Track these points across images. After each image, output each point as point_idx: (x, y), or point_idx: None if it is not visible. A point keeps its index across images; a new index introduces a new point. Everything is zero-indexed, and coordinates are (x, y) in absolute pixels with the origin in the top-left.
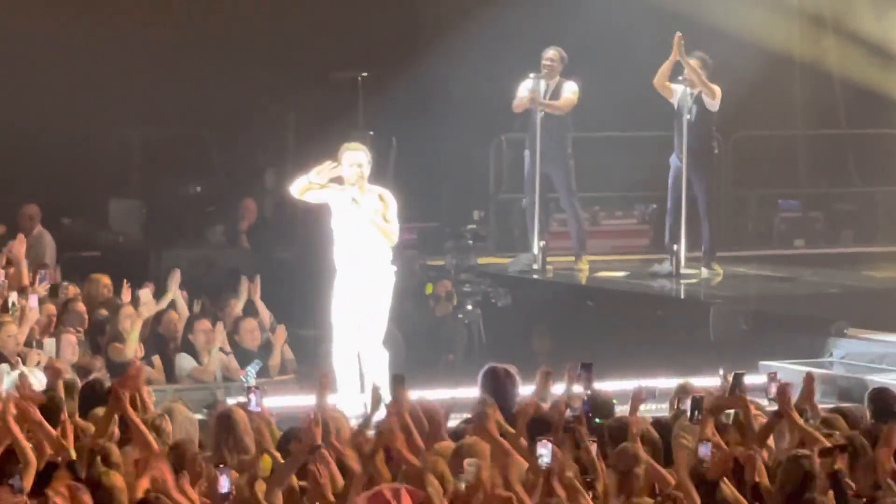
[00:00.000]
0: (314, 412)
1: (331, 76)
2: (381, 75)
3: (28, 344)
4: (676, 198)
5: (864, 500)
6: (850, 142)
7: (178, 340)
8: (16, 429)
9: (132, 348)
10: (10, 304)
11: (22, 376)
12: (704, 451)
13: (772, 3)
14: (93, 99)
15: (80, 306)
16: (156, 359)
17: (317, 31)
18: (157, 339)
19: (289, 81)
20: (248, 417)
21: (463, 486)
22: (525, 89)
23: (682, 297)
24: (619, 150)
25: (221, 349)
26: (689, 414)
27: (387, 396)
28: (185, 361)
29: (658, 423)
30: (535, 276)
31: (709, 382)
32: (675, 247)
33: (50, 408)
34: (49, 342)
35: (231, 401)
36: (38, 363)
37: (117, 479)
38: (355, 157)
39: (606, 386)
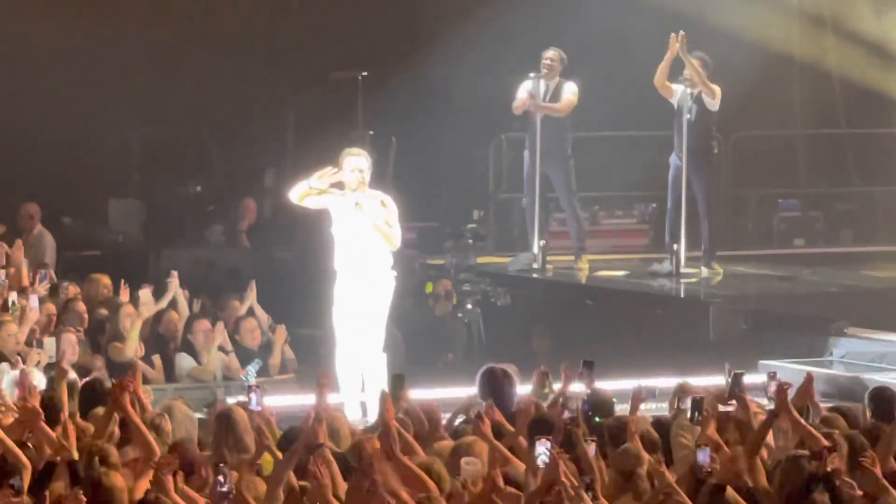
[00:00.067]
0: (318, 410)
1: (331, 76)
2: (380, 75)
3: (28, 343)
4: (676, 197)
5: (864, 499)
6: (849, 141)
7: (178, 340)
8: (3, 436)
9: (132, 348)
10: (10, 304)
11: (23, 373)
12: (703, 457)
13: (771, 2)
14: (93, 99)
15: (81, 306)
16: (156, 358)
17: (316, 31)
18: (157, 339)
19: (289, 81)
20: (249, 416)
21: (460, 485)
22: (524, 90)
23: (682, 296)
24: (618, 149)
25: (222, 349)
26: (689, 414)
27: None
28: (184, 361)
29: (658, 423)
30: (534, 276)
31: (709, 382)
32: (674, 246)
33: (50, 408)
34: (49, 341)
35: (231, 400)
36: (39, 363)
37: (117, 480)
38: (357, 163)
39: (606, 385)
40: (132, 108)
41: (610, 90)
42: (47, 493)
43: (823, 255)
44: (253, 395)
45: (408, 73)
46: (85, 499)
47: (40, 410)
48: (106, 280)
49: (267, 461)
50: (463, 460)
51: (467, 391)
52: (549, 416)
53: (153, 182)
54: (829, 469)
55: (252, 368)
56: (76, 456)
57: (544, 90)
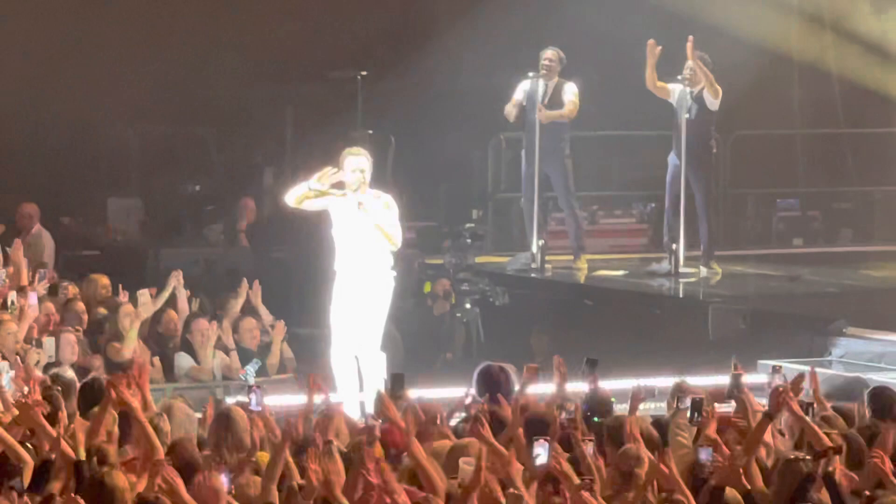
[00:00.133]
0: (326, 408)
1: (330, 75)
2: (380, 74)
3: (27, 343)
4: (675, 197)
5: (864, 499)
6: (848, 141)
7: (178, 339)
8: (4, 434)
9: (131, 347)
10: (9, 303)
11: (26, 366)
12: (705, 455)
13: (771, 2)
14: (91, 97)
15: (80, 305)
16: (155, 358)
17: (316, 30)
18: (157, 339)
19: (288, 80)
20: (248, 416)
21: (458, 486)
22: (522, 90)
23: (681, 295)
24: (617, 149)
25: (224, 348)
26: (688, 415)
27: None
28: (183, 360)
29: (657, 423)
30: (533, 275)
31: (708, 382)
32: (673, 246)
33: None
34: (48, 341)
35: (230, 400)
36: (38, 362)
37: (119, 479)
38: (358, 163)
39: (605, 385)
40: (131, 107)
41: (608, 90)
42: (48, 494)
43: (822, 254)
44: (253, 395)
45: (407, 73)
46: (83, 502)
47: (42, 401)
48: (105, 280)
49: (263, 459)
50: (462, 461)
51: (466, 391)
52: (547, 415)
53: (152, 181)
54: (829, 469)
55: (251, 368)
56: (83, 456)
57: (543, 90)
